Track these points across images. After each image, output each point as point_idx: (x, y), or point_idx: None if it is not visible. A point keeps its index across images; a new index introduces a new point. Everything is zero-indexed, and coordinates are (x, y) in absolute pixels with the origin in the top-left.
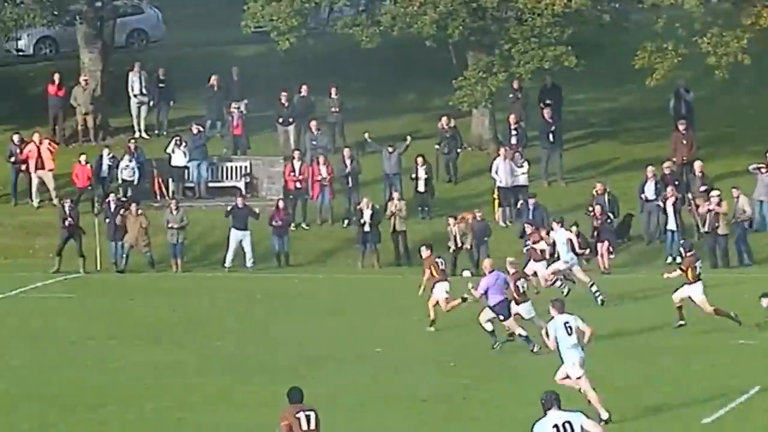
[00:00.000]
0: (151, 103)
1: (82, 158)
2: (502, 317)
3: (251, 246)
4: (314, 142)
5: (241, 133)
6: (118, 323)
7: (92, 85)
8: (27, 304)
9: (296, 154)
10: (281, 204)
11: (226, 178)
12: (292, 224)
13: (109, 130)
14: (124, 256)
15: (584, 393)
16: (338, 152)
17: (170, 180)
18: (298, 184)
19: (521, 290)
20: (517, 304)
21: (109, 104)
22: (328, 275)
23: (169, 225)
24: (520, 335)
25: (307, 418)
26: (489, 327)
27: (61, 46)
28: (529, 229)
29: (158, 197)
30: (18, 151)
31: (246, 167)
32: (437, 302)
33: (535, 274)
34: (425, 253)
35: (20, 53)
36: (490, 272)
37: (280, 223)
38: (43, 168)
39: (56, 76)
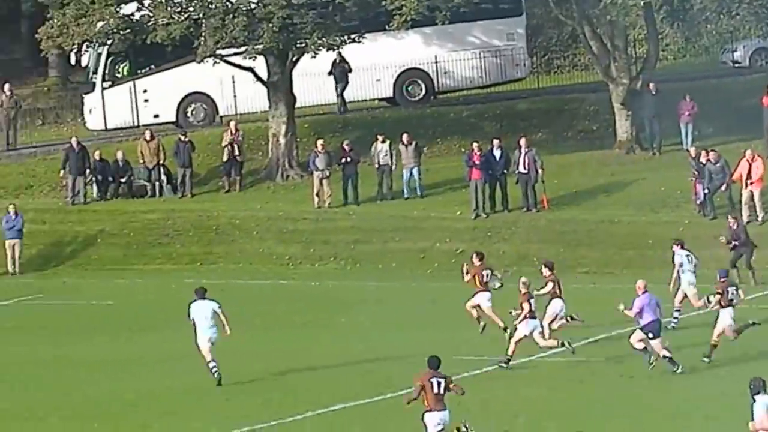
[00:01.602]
0: None
1: None
2: (651, 335)
3: None
4: None
5: None
6: None
7: None
8: None
9: None
10: None
11: None
12: None
13: None
14: None
15: None
16: None
17: None
18: None
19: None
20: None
21: None
22: None
23: None
24: (664, 357)
25: (438, 384)
26: (640, 346)
27: None
28: None
29: None
30: None
31: None
32: (476, 305)
33: None
34: (476, 260)
35: (736, 65)
36: (643, 293)
37: None
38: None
39: None
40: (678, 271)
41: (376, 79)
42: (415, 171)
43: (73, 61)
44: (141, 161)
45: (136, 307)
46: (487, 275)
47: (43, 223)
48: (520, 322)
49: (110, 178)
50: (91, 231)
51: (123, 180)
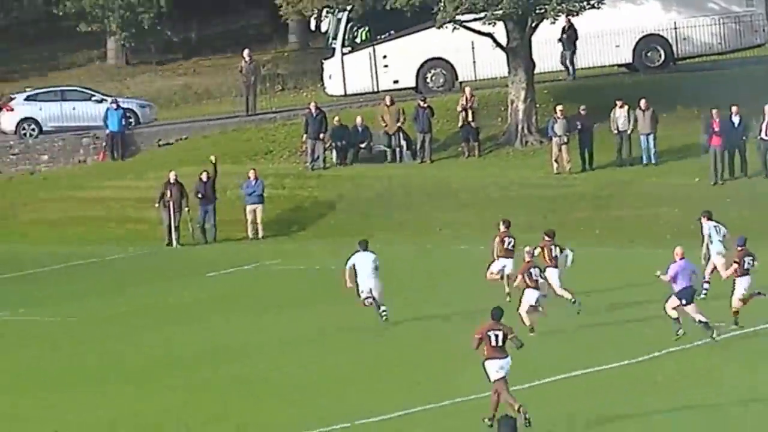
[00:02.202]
0: None
1: None
2: (684, 302)
3: None
4: None
5: None
6: None
7: None
8: None
9: None
10: None
11: None
12: None
13: None
14: None
15: None
16: None
17: None
18: None
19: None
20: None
21: None
22: None
23: None
24: (700, 322)
25: (496, 336)
26: (674, 314)
27: None
28: None
29: None
30: None
31: None
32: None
33: None
34: (502, 227)
35: None
36: (680, 259)
37: None
38: None
39: None
40: (707, 243)
41: (616, 45)
42: (650, 138)
43: (312, 26)
44: (383, 126)
45: None
46: (510, 242)
47: (282, 188)
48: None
49: (349, 144)
50: (330, 196)
51: (362, 145)
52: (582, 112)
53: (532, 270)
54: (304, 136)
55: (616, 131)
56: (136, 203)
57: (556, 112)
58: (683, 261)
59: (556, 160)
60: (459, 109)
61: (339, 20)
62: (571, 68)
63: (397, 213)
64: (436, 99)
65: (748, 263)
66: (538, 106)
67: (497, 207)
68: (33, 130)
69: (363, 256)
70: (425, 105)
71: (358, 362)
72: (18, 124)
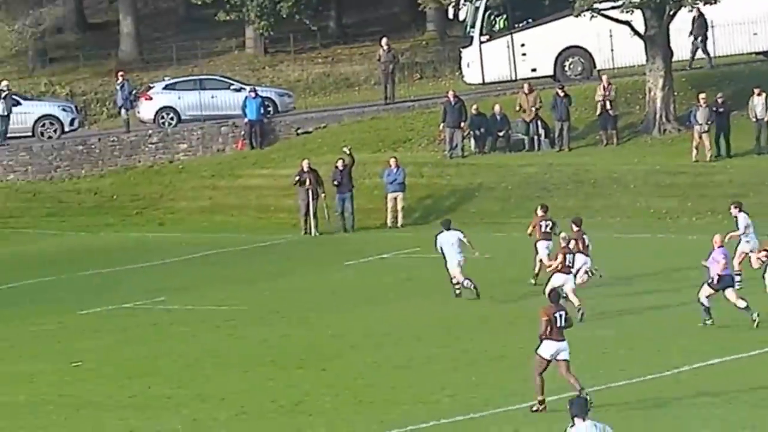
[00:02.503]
0: None
1: None
2: (722, 288)
3: None
4: None
5: None
6: None
7: None
8: None
9: None
10: None
11: None
12: None
13: None
14: None
15: None
16: None
17: None
18: None
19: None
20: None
21: None
22: None
23: None
24: (740, 306)
25: (560, 317)
26: (707, 302)
27: None
28: None
29: None
30: None
31: None
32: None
33: None
34: (540, 211)
35: None
36: (719, 246)
37: None
38: None
39: None
40: (741, 235)
41: (753, 33)
42: None
43: (450, 15)
44: (521, 114)
45: (514, 261)
46: (547, 225)
47: (421, 176)
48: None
49: (488, 132)
50: (468, 184)
51: (501, 134)
52: (720, 100)
53: (567, 255)
54: (442, 124)
55: (754, 119)
56: (274, 192)
57: (698, 100)
58: (722, 248)
59: (696, 148)
60: (597, 98)
61: (477, 8)
62: (706, 56)
63: (535, 201)
64: (574, 87)
65: None
66: (676, 94)
67: (636, 194)
68: (171, 119)
69: (447, 236)
70: (563, 93)
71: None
72: (156, 113)
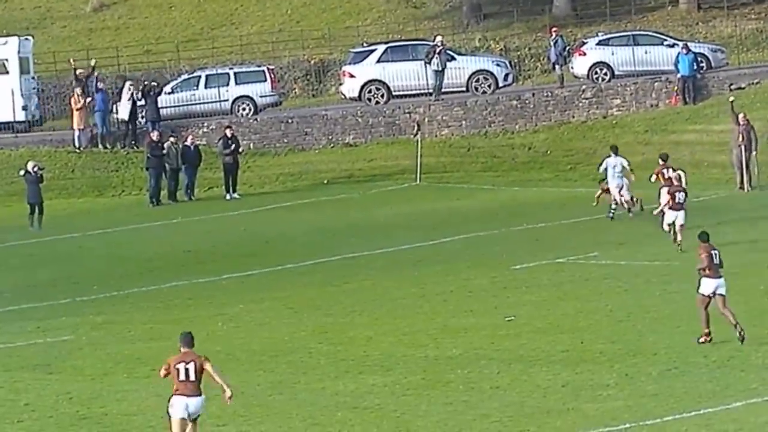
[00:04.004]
0: None
1: None
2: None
3: None
4: None
5: None
6: None
7: None
8: None
9: None
10: None
11: None
12: None
13: None
14: None
15: None
16: None
17: None
18: None
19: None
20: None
21: None
22: None
23: None
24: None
25: (715, 254)
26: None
27: None
28: None
29: None
30: None
31: None
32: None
33: None
34: (660, 162)
35: None
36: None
37: None
38: None
39: None
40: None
41: None
42: None
43: None
44: None
45: None
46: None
47: None
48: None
49: None
50: None
51: None
52: None
53: (676, 194)
54: None
55: None
56: (708, 147)
57: None
58: None
59: None
60: None
61: None
62: None
63: None
64: None
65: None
66: None
67: None
68: (605, 74)
69: (613, 160)
70: None
71: None
72: (590, 68)
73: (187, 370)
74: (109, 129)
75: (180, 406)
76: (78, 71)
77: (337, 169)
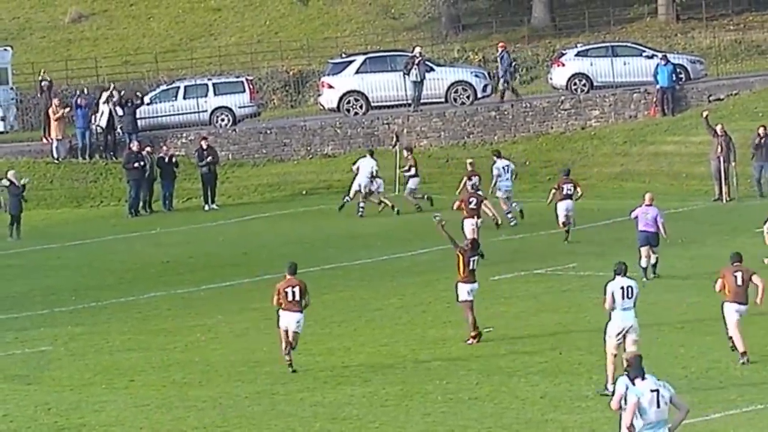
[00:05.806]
0: None
1: None
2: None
3: None
4: None
5: None
6: None
7: None
8: None
9: None
10: None
11: None
12: None
13: None
14: None
15: None
16: None
17: None
18: None
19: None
20: None
21: None
22: None
23: None
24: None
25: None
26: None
27: None
28: None
29: None
30: None
31: None
32: None
33: None
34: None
35: None
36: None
37: None
38: None
39: None
40: None
41: None
42: None
43: None
44: None
45: None
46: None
47: None
48: None
49: None
50: None
51: None
52: None
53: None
54: None
55: None
56: (687, 158)
57: None
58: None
59: None
60: None
61: None
62: None
63: None
64: None
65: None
66: None
67: None
68: (584, 85)
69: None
70: None
71: None
72: (569, 79)
73: (293, 292)
74: (90, 141)
75: (286, 319)
76: (43, 83)
77: (315, 180)
